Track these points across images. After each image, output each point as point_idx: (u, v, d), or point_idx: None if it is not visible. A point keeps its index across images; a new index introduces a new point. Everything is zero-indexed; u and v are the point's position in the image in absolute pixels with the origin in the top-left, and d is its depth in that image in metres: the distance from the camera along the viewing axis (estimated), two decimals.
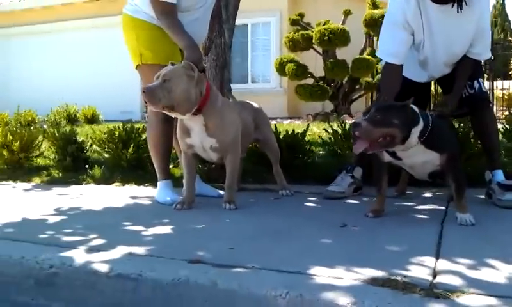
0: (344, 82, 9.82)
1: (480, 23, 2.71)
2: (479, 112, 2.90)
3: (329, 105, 10.36)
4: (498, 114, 11.00)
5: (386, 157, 2.40)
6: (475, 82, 2.85)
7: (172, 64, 2.57)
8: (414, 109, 2.27)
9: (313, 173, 3.56)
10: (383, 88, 2.81)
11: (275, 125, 3.89)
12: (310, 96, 9.57)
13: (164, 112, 2.56)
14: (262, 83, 12.03)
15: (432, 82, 3.34)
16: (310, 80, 9.91)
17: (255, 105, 3.18)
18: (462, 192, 2.30)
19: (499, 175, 2.78)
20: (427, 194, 3.04)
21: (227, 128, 2.65)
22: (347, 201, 2.93)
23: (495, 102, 11.68)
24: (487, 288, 1.48)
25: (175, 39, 2.71)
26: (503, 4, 20.95)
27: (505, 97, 12.54)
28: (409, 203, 2.80)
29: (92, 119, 9.50)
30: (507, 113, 11.37)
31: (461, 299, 1.40)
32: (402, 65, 2.73)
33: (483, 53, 2.84)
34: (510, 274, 1.59)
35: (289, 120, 9.49)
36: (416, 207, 2.71)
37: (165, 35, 2.76)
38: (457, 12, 2.56)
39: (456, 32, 2.69)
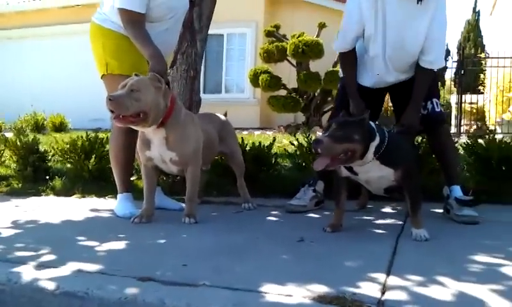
0: (316, 94, 9.89)
1: (434, 29, 2.72)
2: (432, 133, 2.95)
3: (301, 117, 10.42)
4: (466, 128, 11.25)
5: (344, 172, 2.41)
6: (429, 102, 2.88)
7: (136, 75, 2.54)
8: (370, 124, 2.29)
9: (278, 186, 3.56)
10: (344, 77, 3.00)
11: (241, 137, 3.87)
12: (282, 108, 9.61)
13: (128, 125, 2.51)
14: (236, 93, 12.04)
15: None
16: (283, 92, 9.95)
17: (222, 117, 3.16)
18: (417, 208, 2.32)
19: (457, 191, 2.81)
20: (387, 209, 3.07)
21: (187, 142, 2.62)
22: (308, 215, 2.93)
23: (463, 116, 11.95)
24: (434, 305, 1.49)
25: (140, 49, 2.67)
26: (477, 20, 21.41)
27: (474, 111, 12.80)
28: (368, 217, 2.81)
29: (60, 128, 9.36)
30: (475, 127, 11.64)
31: None
32: (354, 49, 2.88)
33: (435, 61, 2.82)
34: (458, 291, 1.60)
35: (261, 131, 9.50)
36: (375, 222, 2.72)
37: (132, 45, 2.72)
38: (417, 3, 2.61)
39: (408, 29, 2.71)
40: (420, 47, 2.76)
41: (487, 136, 3.51)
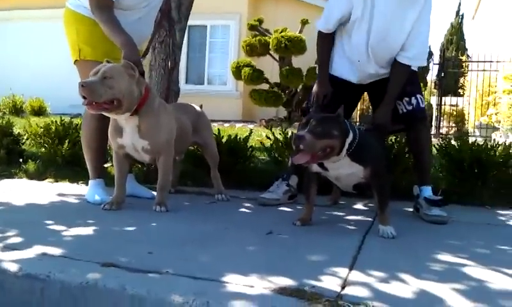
0: (298, 89, 9.92)
1: (418, 26, 2.75)
2: (414, 130, 2.94)
3: (283, 112, 10.45)
4: (446, 129, 11.40)
5: (315, 168, 2.42)
6: (413, 98, 2.88)
7: (108, 61, 2.52)
8: (344, 119, 2.30)
9: (253, 179, 3.57)
10: (318, 57, 3.06)
11: (218, 129, 3.87)
12: (264, 102, 9.63)
13: (101, 112, 2.49)
14: (218, 85, 12.02)
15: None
16: (265, 86, 9.96)
17: (197, 108, 3.16)
18: (384, 206, 2.35)
19: (427, 191, 2.85)
20: (359, 205, 3.10)
21: (160, 131, 2.61)
22: (280, 208, 2.95)
23: (444, 118, 12.11)
24: (392, 301, 1.51)
25: (110, 36, 2.64)
26: (460, 23, 21.65)
27: (454, 113, 12.99)
28: (339, 213, 2.84)
29: (39, 111, 9.26)
30: (455, 129, 11.81)
31: None
32: (331, 35, 2.95)
33: (415, 58, 2.82)
34: (418, 289, 1.63)
35: (242, 124, 9.51)
36: (345, 217, 2.75)
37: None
38: None
39: (395, 21, 2.73)
40: (403, 41, 2.77)
41: (459, 138, 3.56)
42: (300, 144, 2.18)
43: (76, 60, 2.84)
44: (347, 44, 2.93)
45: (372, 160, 2.35)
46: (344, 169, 2.34)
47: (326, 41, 3.00)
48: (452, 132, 11.28)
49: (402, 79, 2.83)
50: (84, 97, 2.38)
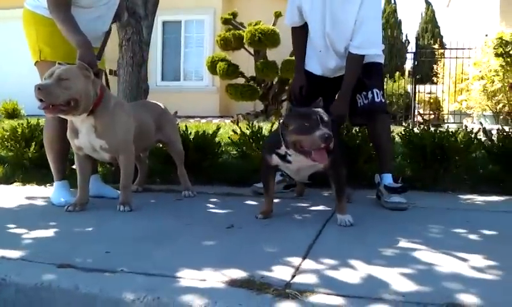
0: (274, 82, 9.95)
1: (362, 12, 2.80)
2: (372, 122, 3.02)
3: (260, 105, 10.48)
4: (425, 117, 11.53)
5: (275, 161, 2.46)
6: (369, 92, 2.94)
7: (60, 64, 2.53)
8: None
9: (221, 174, 3.61)
10: (293, 51, 3.19)
11: (185, 125, 3.89)
12: (240, 96, 9.64)
13: (57, 114, 2.50)
14: (195, 81, 11.99)
15: None
16: (241, 80, 9.98)
17: (160, 105, 3.17)
18: (342, 194, 2.41)
19: (387, 178, 2.92)
20: (323, 196, 3.15)
21: (116, 130, 2.63)
22: (246, 202, 2.99)
23: (421, 105, 12.27)
24: (339, 287, 1.56)
25: (66, 36, 2.64)
26: (433, 11, 21.86)
27: (430, 100, 13.15)
28: (303, 204, 2.89)
29: (13, 114, 9.15)
30: (432, 116, 11.97)
31: (310, 298, 1.47)
32: (303, 27, 3.06)
33: (362, 47, 2.85)
34: (366, 274, 1.68)
35: (220, 119, 9.53)
36: (308, 208, 2.80)
37: None
38: None
39: (344, 9, 2.82)
40: (351, 30, 2.84)
41: (421, 125, 3.63)
42: (330, 143, 2.20)
43: (37, 61, 2.83)
44: (310, 35, 3.03)
45: (331, 150, 2.39)
46: (308, 162, 2.35)
47: (297, 35, 3.12)
48: (429, 119, 11.43)
49: (354, 69, 2.88)
50: (41, 100, 2.38)
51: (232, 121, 4.16)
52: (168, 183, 3.49)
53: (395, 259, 1.85)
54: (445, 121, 10.73)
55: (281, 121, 2.41)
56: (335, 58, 2.98)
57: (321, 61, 3.04)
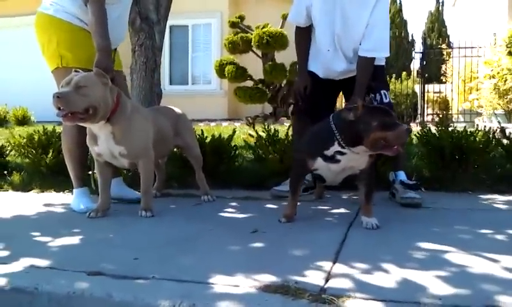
0: (282, 85, 9.93)
1: (373, 16, 2.83)
2: None
3: (268, 108, 10.46)
4: (431, 117, 11.50)
5: (317, 164, 2.40)
6: (377, 94, 2.97)
7: (77, 71, 2.52)
8: None
9: (238, 178, 3.59)
10: (296, 51, 3.19)
11: (201, 129, 3.89)
12: (249, 99, 9.61)
13: (76, 123, 2.50)
14: (203, 85, 12.01)
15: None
16: (249, 83, 9.96)
17: (177, 110, 3.17)
18: (371, 197, 2.40)
19: (402, 175, 2.99)
20: (343, 198, 3.14)
21: (135, 135, 2.62)
22: (267, 205, 2.98)
23: (429, 105, 12.23)
24: (375, 292, 1.54)
25: (93, 33, 2.61)
26: (440, 11, 21.80)
27: (439, 100, 13.11)
28: (323, 207, 2.87)
29: (23, 121, 9.19)
30: (441, 115, 11.92)
31: (347, 303, 1.46)
32: (308, 28, 3.07)
33: (372, 50, 2.90)
34: (401, 278, 1.66)
35: (229, 122, 9.53)
36: (330, 211, 2.78)
37: (86, 37, 2.69)
38: None
39: (354, 12, 2.84)
40: (362, 32, 2.86)
41: (443, 125, 3.60)
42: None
43: (56, 68, 2.79)
44: (317, 35, 3.04)
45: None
46: (354, 161, 2.34)
47: (301, 36, 3.14)
48: (437, 119, 11.38)
49: (367, 70, 2.91)
50: (59, 108, 2.38)
51: (247, 124, 4.15)
52: (185, 188, 3.48)
53: (426, 261, 1.84)
54: (454, 120, 10.68)
55: (348, 117, 2.28)
56: (343, 60, 3.01)
57: (326, 63, 3.06)
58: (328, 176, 2.50)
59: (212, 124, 8.53)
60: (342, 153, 2.32)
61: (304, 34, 3.12)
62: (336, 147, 2.31)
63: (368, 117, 2.22)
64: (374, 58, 2.93)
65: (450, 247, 2.00)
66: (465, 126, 3.59)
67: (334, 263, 1.82)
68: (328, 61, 3.03)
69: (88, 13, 2.64)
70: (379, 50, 2.95)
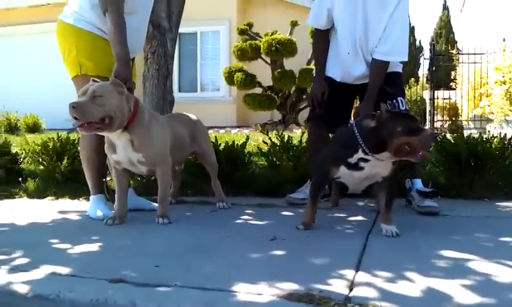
0: (291, 92, 9.94)
1: (393, 19, 2.83)
2: None
3: (277, 115, 10.47)
4: (440, 123, 11.45)
5: (340, 172, 2.38)
6: (394, 101, 2.93)
7: (94, 81, 2.53)
8: None
9: (252, 185, 3.59)
10: (314, 55, 3.18)
11: (215, 136, 3.89)
12: (258, 106, 9.64)
13: (92, 132, 2.51)
14: (212, 92, 12.04)
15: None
16: (258, 90, 9.98)
17: (193, 117, 3.17)
18: (391, 204, 2.39)
19: (418, 183, 2.98)
20: (359, 205, 3.13)
21: (153, 143, 2.63)
22: (283, 213, 2.97)
23: (438, 111, 12.17)
24: (400, 301, 1.53)
25: (112, 42, 2.63)
26: (448, 16, 21.77)
27: (447, 106, 13.04)
28: (340, 215, 2.86)
29: (34, 128, 9.23)
30: (449, 122, 11.87)
31: None
32: (327, 31, 3.07)
33: (390, 53, 2.88)
34: (425, 287, 1.64)
35: (238, 129, 9.53)
36: (347, 218, 2.77)
37: (106, 45, 2.70)
38: None
39: (375, 14, 2.85)
40: (381, 35, 2.86)
41: (458, 132, 3.58)
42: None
43: (76, 75, 2.81)
44: (338, 38, 3.02)
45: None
46: (378, 168, 2.33)
47: (320, 39, 3.14)
48: (446, 125, 11.34)
49: (380, 74, 2.90)
50: (75, 117, 2.39)
51: (261, 131, 4.14)
52: (199, 195, 3.48)
53: (450, 270, 1.82)
54: (464, 126, 10.62)
55: (370, 124, 2.26)
56: (362, 64, 2.98)
57: (345, 67, 3.04)
58: (350, 184, 2.48)
59: (221, 131, 8.53)
60: (365, 160, 2.30)
61: (324, 38, 3.11)
62: (360, 154, 2.29)
63: (392, 122, 2.20)
64: (389, 62, 2.92)
65: (473, 256, 1.98)
66: (480, 133, 3.57)
67: (356, 271, 1.81)
68: (348, 65, 3.01)
69: (107, 22, 2.65)
70: (396, 54, 2.93)
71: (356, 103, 3.28)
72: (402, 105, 2.96)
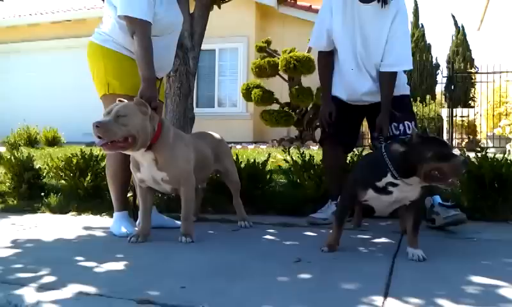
0: (308, 108, 9.95)
1: (393, 30, 2.90)
2: None
3: (294, 131, 10.47)
4: (458, 141, 11.36)
5: (368, 195, 2.36)
6: (401, 125, 2.98)
7: (120, 101, 2.57)
8: None
9: (273, 204, 3.58)
10: (319, 77, 3.23)
11: (236, 154, 3.89)
12: (275, 122, 9.65)
13: (116, 151, 2.54)
14: (229, 107, 12.09)
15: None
16: (275, 106, 10.00)
17: (216, 136, 3.18)
18: (418, 228, 2.35)
19: (438, 198, 3.00)
20: (382, 227, 3.10)
21: (177, 162, 2.64)
22: (305, 233, 2.95)
23: (455, 129, 12.08)
24: None
25: (139, 64, 2.66)
26: (464, 34, 21.68)
27: (465, 125, 12.94)
28: (364, 236, 2.83)
29: (53, 142, 9.34)
30: (466, 140, 11.76)
31: None
32: (331, 52, 3.13)
33: (396, 64, 2.95)
34: None
35: (254, 145, 9.54)
36: (371, 240, 2.74)
37: (133, 66, 2.74)
38: (381, 7, 2.87)
39: (373, 28, 2.92)
40: (383, 49, 2.92)
41: (478, 152, 3.53)
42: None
43: (104, 94, 2.87)
44: (339, 57, 3.08)
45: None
46: (407, 192, 2.30)
47: (324, 61, 3.20)
48: (463, 143, 11.25)
49: (390, 84, 2.97)
50: (99, 136, 2.42)
51: (282, 149, 4.14)
52: (220, 213, 3.48)
53: (481, 297, 1.78)
54: (482, 145, 10.52)
55: (400, 148, 2.25)
56: (368, 79, 3.03)
57: (350, 83, 3.08)
58: (378, 207, 2.46)
59: (238, 146, 8.55)
60: (394, 185, 2.28)
61: (327, 59, 3.17)
62: (388, 178, 2.27)
63: (422, 147, 2.17)
64: (397, 72, 2.99)
65: (503, 282, 1.94)
66: (504, 154, 3.53)
67: (385, 297, 1.78)
68: (353, 81, 3.06)
69: (134, 44, 2.69)
70: (401, 64, 3.00)
71: (364, 123, 3.31)
72: (409, 130, 2.96)
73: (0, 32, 13.28)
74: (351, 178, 2.50)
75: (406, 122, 3.00)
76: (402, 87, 3.12)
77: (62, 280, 1.99)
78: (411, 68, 3.06)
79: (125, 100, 2.57)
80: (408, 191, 2.30)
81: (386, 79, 2.97)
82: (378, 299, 1.75)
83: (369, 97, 3.07)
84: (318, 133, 10.05)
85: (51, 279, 2.03)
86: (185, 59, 4.29)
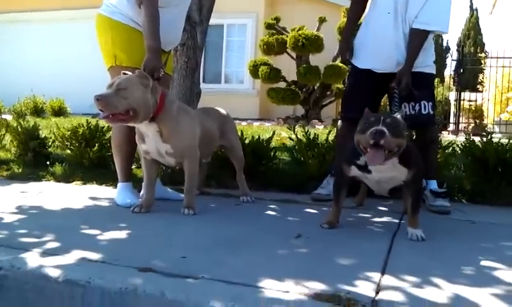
0: (315, 87, 9.91)
1: None
2: (418, 132, 3.11)
3: (300, 109, 10.45)
4: (464, 125, 11.30)
5: (353, 172, 2.39)
6: (417, 104, 2.96)
7: (124, 73, 2.57)
8: None
9: (276, 180, 3.60)
10: (347, 19, 3.34)
11: (241, 130, 3.90)
12: (281, 100, 9.63)
13: (118, 123, 2.56)
14: (235, 84, 12.07)
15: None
16: (282, 84, 9.97)
17: (222, 111, 3.19)
18: (417, 208, 2.37)
19: (433, 184, 3.04)
20: (384, 206, 3.11)
21: (182, 134, 2.66)
22: (306, 210, 2.97)
23: (462, 113, 12.01)
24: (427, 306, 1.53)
25: (145, 33, 2.66)
26: (477, 18, 21.43)
27: (472, 109, 12.87)
28: (365, 215, 2.85)
29: (59, 112, 9.38)
30: (473, 125, 11.71)
31: None
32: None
33: (429, 23, 2.87)
34: (452, 293, 1.63)
35: (260, 122, 9.54)
36: (372, 219, 2.76)
37: (141, 38, 2.73)
38: None
39: None
40: (423, 2, 2.85)
41: (484, 136, 3.52)
42: (381, 140, 2.09)
43: (111, 66, 2.87)
44: (374, 10, 3.04)
45: (416, 163, 2.34)
46: (388, 172, 2.30)
47: (356, 2, 3.25)
48: (470, 127, 11.19)
49: (417, 44, 2.89)
50: (101, 109, 2.44)
51: (287, 127, 4.14)
52: (223, 187, 3.51)
53: (478, 278, 1.80)
54: (489, 130, 10.47)
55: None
56: (400, 35, 2.92)
57: (383, 55, 2.99)
58: (371, 186, 2.49)
59: (243, 123, 8.55)
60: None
61: (359, 2, 3.22)
62: (364, 157, 2.29)
63: (359, 124, 2.26)
64: (428, 33, 2.90)
65: (501, 264, 1.96)
66: (510, 139, 3.52)
67: (382, 274, 1.80)
68: (390, 46, 2.95)
69: (141, 15, 2.68)
70: (436, 24, 2.90)
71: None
72: (425, 109, 2.97)
73: (7, 2, 13.21)
74: (340, 155, 2.53)
75: (423, 102, 2.97)
76: (429, 64, 3.06)
77: (65, 246, 2.02)
78: (447, 32, 2.95)
79: (130, 73, 2.58)
80: (385, 171, 2.28)
81: (414, 37, 2.87)
82: (375, 275, 1.77)
83: (389, 67, 2.98)
84: (324, 112, 10.05)
85: (54, 245, 2.06)
86: (192, 33, 4.27)
